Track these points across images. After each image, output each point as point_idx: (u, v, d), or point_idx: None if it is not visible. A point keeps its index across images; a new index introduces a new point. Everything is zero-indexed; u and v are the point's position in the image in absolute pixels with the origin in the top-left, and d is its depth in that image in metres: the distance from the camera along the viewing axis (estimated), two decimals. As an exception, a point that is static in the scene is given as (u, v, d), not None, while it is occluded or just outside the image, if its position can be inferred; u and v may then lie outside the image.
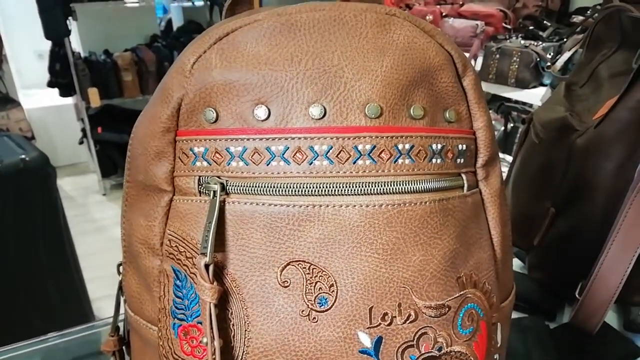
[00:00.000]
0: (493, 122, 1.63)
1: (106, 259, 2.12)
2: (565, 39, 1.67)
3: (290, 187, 0.23)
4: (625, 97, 0.42)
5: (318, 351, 0.23)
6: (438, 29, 0.25)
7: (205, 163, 0.24)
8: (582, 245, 0.48)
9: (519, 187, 0.57)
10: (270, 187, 0.23)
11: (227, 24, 0.24)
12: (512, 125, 1.90)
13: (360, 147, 0.23)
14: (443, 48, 0.25)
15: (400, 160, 0.23)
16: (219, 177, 0.24)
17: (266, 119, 0.23)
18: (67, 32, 2.37)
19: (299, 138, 0.23)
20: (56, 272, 1.22)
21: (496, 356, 0.28)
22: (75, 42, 2.69)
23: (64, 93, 2.65)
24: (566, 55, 1.60)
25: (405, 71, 0.24)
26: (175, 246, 0.25)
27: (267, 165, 0.23)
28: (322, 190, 0.23)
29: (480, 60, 1.84)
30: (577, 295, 0.47)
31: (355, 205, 0.23)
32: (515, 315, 0.58)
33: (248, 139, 0.23)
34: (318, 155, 0.23)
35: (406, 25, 0.24)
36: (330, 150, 0.23)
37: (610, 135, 0.43)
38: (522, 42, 1.74)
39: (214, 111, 0.24)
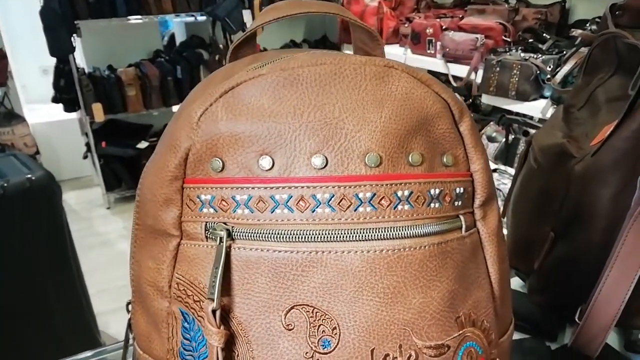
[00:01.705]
0: (495, 134, 1.62)
1: (111, 273, 2.13)
2: (564, 52, 1.69)
3: (293, 233, 0.24)
4: (621, 127, 0.43)
5: None
6: (434, 79, 0.26)
7: (211, 210, 0.25)
8: (582, 270, 0.49)
9: (519, 210, 0.58)
10: (275, 233, 0.24)
11: (232, 78, 0.25)
12: (513, 137, 1.91)
13: (360, 195, 0.24)
14: (440, 97, 0.26)
15: (399, 207, 0.24)
16: (225, 223, 0.25)
17: (270, 168, 0.24)
18: (72, 49, 2.40)
19: (302, 187, 0.24)
20: (62, 290, 1.22)
21: (496, 391, 0.29)
22: (79, 58, 2.72)
23: (68, 108, 2.67)
24: (566, 68, 1.61)
25: (403, 121, 0.24)
26: (184, 289, 0.26)
27: (272, 212, 0.24)
28: (324, 237, 0.24)
29: (480, 73, 1.85)
30: (577, 320, 0.48)
31: (356, 251, 0.24)
32: (517, 336, 0.58)
33: (253, 188, 0.24)
34: (320, 203, 0.24)
35: (404, 77, 0.25)
36: (332, 199, 0.24)
37: (607, 164, 0.44)
38: (522, 54, 1.75)
39: (220, 161, 0.25)
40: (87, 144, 2.78)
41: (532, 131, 1.73)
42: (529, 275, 0.57)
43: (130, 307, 0.30)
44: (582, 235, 0.49)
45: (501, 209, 0.61)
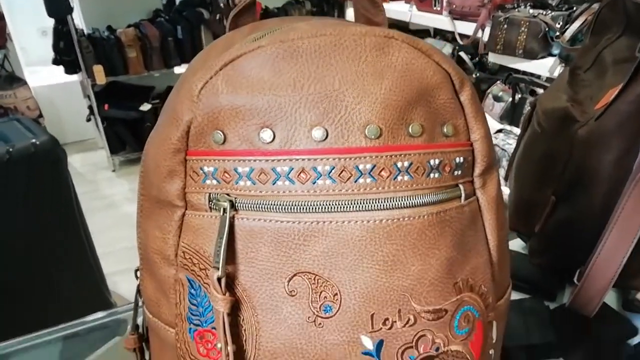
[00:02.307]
0: (501, 93, 1.60)
1: (118, 234, 2.17)
2: (574, 8, 1.64)
3: (295, 204, 0.24)
4: (626, 90, 0.43)
5: (324, 353, 0.25)
6: (435, 49, 0.26)
7: (214, 181, 0.25)
8: (582, 232, 0.49)
9: (521, 173, 0.58)
10: (277, 204, 0.24)
11: (232, 50, 0.25)
12: (520, 96, 1.88)
13: (361, 166, 0.24)
14: (440, 67, 0.26)
15: (399, 178, 0.25)
16: (228, 194, 0.25)
17: (271, 141, 0.24)
18: (69, 10, 2.35)
19: (303, 159, 0.24)
20: (70, 252, 1.25)
21: (491, 351, 0.30)
22: (78, 19, 2.67)
23: (69, 70, 2.65)
24: (576, 25, 1.57)
25: (403, 92, 0.24)
26: (189, 258, 0.26)
27: (273, 184, 0.24)
28: (325, 208, 0.24)
29: (487, 30, 1.81)
30: (575, 281, 0.49)
31: (357, 221, 0.24)
32: (516, 296, 0.60)
33: (254, 160, 0.24)
34: (321, 175, 0.24)
35: (404, 47, 0.25)
36: (333, 170, 0.24)
37: (611, 128, 0.44)
38: (531, 11, 1.71)
39: (221, 134, 0.25)
40: (90, 107, 2.77)
41: (539, 90, 1.71)
42: (530, 238, 0.58)
43: (138, 273, 0.31)
44: (583, 199, 0.49)
45: (506, 170, 0.61)
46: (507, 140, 1.70)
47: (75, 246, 1.27)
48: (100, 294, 1.35)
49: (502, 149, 1.66)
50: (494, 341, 0.30)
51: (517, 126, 1.78)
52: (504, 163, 1.58)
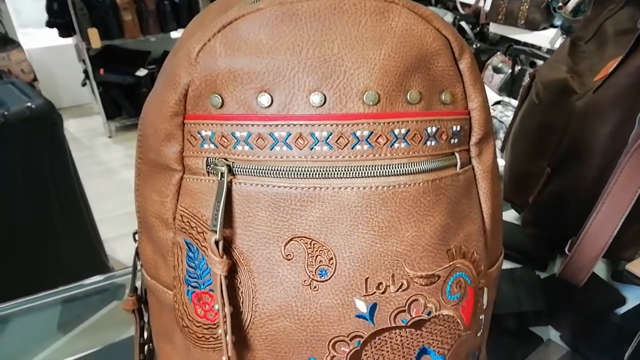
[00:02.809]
0: (501, 64, 1.58)
1: (116, 200, 2.18)
2: (579, -23, 1.61)
3: (292, 170, 0.24)
4: (626, 63, 0.43)
5: (318, 315, 0.26)
6: (435, 14, 0.25)
7: (212, 146, 0.25)
8: (575, 204, 0.50)
9: (517, 145, 0.58)
10: (274, 170, 0.25)
11: (230, 12, 0.25)
12: (519, 68, 1.87)
13: (358, 133, 0.24)
14: (440, 33, 0.26)
15: (396, 145, 0.25)
16: (225, 159, 0.25)
17: (269, 106, 0.24)
18: (63, -31, 2.29)
19: (301, 125, 0.24)
20: (68, 217, 1.26)
21: (481, 316, 0.31)
22: (72, -21, 2.60)
23: (63, 33, 2.60)
24: (579, -5, 1.54)
25: (402, 58, 0.24)
26: (187, 222, 0.27)
27: (271, 149, 0.24)
28: (322, 174, 0.24)
29: (489, 0, 1.78)
30: (566, 251, 0.50)
31: (353, 188, 0.24)
32: (508, 265, 0.61)
33: (252, 125, 0.24)
34: (318, 141, 0.24)
35: (404, 13, 0.25)
36: (330, 137, 0.24)
37: (608, 101, 0.44)
38: (534, -20, 1.67)
39: (219, 97, 0.25)
40: (85, 71, 2.73)
41: (540, 62, 1.69)
42: (524, 209, 0.59)
43: (137, 236, 0.31)
44: (577, 171, 0.49)
45: (502, 142, 0.62)
46: (505, 112, 1.70)
47: (73, 211, 1.27)
48: (98, 259, 1.36)
49: (500, 121, 1.65)
50: (484, 307, 0.31)
51: (516, 98, 1.77)
52: (501, 135, 1.57)
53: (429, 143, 0.26)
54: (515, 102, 1.72)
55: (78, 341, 0.54)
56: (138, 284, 0.34)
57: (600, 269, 0.60)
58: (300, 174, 0.24)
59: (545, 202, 0.53)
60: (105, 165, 2.60)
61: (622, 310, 0.54)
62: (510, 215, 0.69)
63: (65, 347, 0.53)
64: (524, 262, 0.61)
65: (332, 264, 0.25)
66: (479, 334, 0.31)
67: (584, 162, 0.49)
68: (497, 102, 1.74)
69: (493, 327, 0.35)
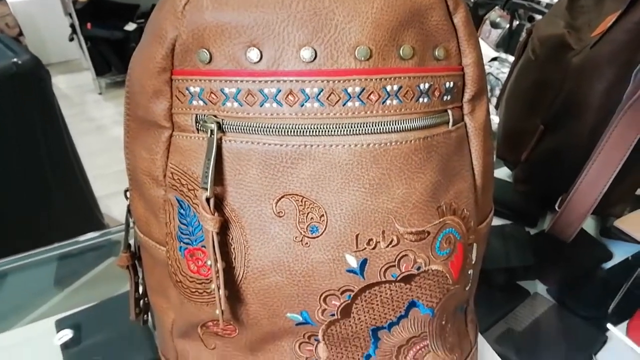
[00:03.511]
0: (499, 19, 1.55)
1: (108, 158, 2.17)
2: None
3: (283, 127, 0.24)
4: (624, 18, 0.42)
5: (310, 270, 0.26)
6: (430, -34, 0.25)
7: (201, 102, 0.25)
8: (567, 161, 0.50)
9: (512, 101, 0.58)
10: (264, 127, 0.24)
11: None
12: (517, 23, 1.83)
13: (349, 89, 0.24)
14: None
15: (388, 102, 0.24)
16: (215, 116, 0.25)
17: (258, 61, 0.24)
18: None
19: (291, 81, 0.24)
20: (60, 174, 1.25)
21: (470, 272, 0.31)
22: None
23: (47, -15, 2.50)
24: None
25: (395, 12, 0.24)
26: (178, 179, 0.27)
27: (261, 106, 0.24)
28: (313, 131, 0.24)
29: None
30: (556, 208, 0.50)
31: (344, 145, 0.24)
32: (499, 221, 0.62)
33: (241, 81, 0.24)
34: (309, 98, 0.24)
35: None
36: (321, 93, 0.24)
37: (605, 57, 0.43)
38: None
39: (207, 52, 0.24)
40: (72, 26, 2.65)
41: (538, 17, 1.66)
42: (516, 166, 0.59)
43: (128, 194, 0.31)
44: (571, 128, 0.49)
45: (497, 99, 0.61)
46: (502, 68, 1.68)
47: (64, 168, 1.26)
48: (92, 216, 1.37)
49: (496, 78, 1.64)
50: (473, 262, 0.31)
51: (513, 54, 1.74)
52: (497, 92, 1.56)
53: (421, 100, 0.25)
54: (512, 59, 1.69)
55: (75, 296, 0.55)
56: (131, 240, 0.34)
57: (589, 226, 0.61)
58: (291, 132, 0.24)
59: (538, 160, 0.53)
60: (96, 122, 2.57)
61: (608, 265, 0.56)
62: (502, 172, 0.70)
63: (62, 302, 0.54)
64: (514, 218, 0.62)
65: (323, 220, 0.26)
66: (467, 288, 0.32)
67: (578, 119, 0.49)
68: (494, 59, 1.72)
69: (482, 281, 0.36)
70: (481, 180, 0.30)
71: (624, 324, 0.48)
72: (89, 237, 0.58)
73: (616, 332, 0.46)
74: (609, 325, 0.46)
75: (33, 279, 0.58)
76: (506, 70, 1.64)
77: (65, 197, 1.28)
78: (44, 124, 1.17)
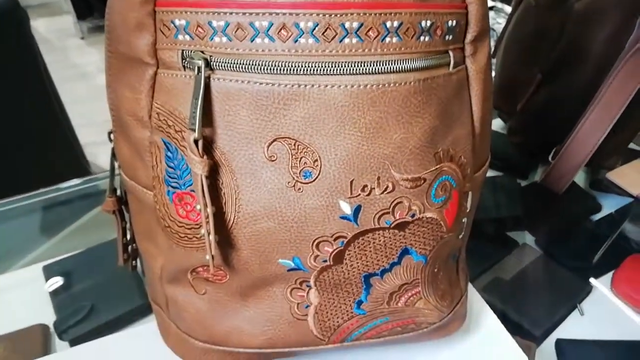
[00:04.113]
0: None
1: (93, 106, 2.12)
2: None
3: (275, 65, 0.23)
4: (633, -41, 0.40)
5: (303, 217, 0.26)
6: None
7: (187, 37, 0.23)
8: (563, 112, 0.49)
9: (510, 50, 0.56)
10: (255, 64, 0.23)
11: None
12: (515, -30, 1.77)
13: (347, 24, 0.22)
14: None
15: (387, 39, 0.23)
16: (202, 52, 0.23)
17: None
18: None
19: (284, 14, 0.22)
20: (43, 121, 1.22)
21: (464, 220, 0.31)
22: None
23: None
24: None
25: None
26: (164, 120, 0.25)
27: (251, 41, 0.23)
28: (307, 70, 0.23)
29: None
30: (550, 159, 0.50)
31: (340, 86, 0.23)
32: (490, 173, 0.62)
33: (230, 13, 0.22)
34: (303, 33, 0.22)
35: None
36: (316, 28, 0.22)
37: (608, 3, 0.42)
38: None
39: None
40: (51, -36, 2.52)
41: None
42: (511, 117, 0.58)
43: (112, 136, 0.30)
44: (570, 78, 0.48)
45: (492, 49, 0.60)
46: (497, 19, 1.64)
47: (46, 115, 1.23)
48: (78, 164, 1.34)
49: (492, 29, 1.60)
50: (467, 210, 0.31)
51: (509, 4, 1.70)
52: (492, 43, 1.53)
53: (422, 38, 0.24)
54: (508, 9, 1.65)
55: (63, 244, 0.55)
56: (118, 184, 0.33)
57: (579, 178, 0.61)
58: (284, 70, 0.23)
59: (534, 110, 0.52)
60: (79, 68, 2.49)
61: (597, 217, 0.56)
62: (495, 124, 0.69)
63: (50, 249, 0.54)
64: (506, 170, 0.61)
65: (317, 165, 0.25)
66: (460, 236, 0.31)
67: (577, 68, 0.48)
68: (490, 8, 1.67)
69: (472, 231, 0.36)
70: (480, 126, 0.29)
71: (610, 275, 0.49)
72: (74, 184, 0.57)
73: (598, 285, 0.46)
74: (591, 280, 0.47)
75: (20, 227, 0.57)
76: (502, 20, 1.60)
77: (50, 145, 1.25)
78: (24, 68, 1.13)
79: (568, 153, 0.47)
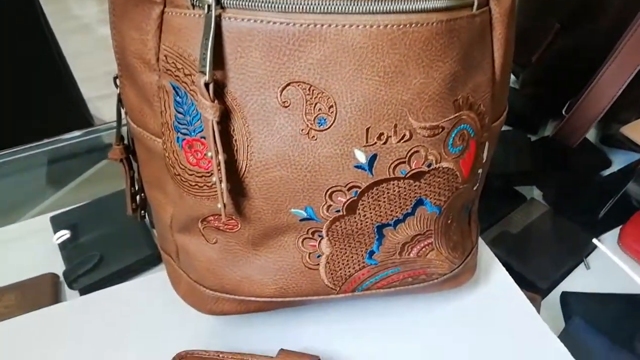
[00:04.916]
0: None
1: (96, 58, 2.07)
2: None
3: (289, 3, 0.21)
4: None
5: (316, 165, 0.25)
6: None
7: (197, -28, 0.22)
8: (581, 63, 0.48)
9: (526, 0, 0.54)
10: (269, 2, 0.22)
11: None
12: None
13: None
14: None
15: None
16: None
17: None
18: None
19: (301, -54, 0.20)
20: (43, 71, 1.19)
21: (479, 170, 0.30)
22: None
23: None
24: None
25: None
26: (173, 62, 0.24)
27: (266, -23, 0.21)
28: (324, 8, 0.21)
29: None
30: (564, 113, 0.49)
31: (359, 25, 0.22)
32: (500, 128, 0.61)
33: None
34: None
35: None
36: None
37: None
38: None
39: None
40: None
41: None
42: (524, 69, 0.56)
43: (118, 81, 0.29)
44: (589, 27, 0.46)
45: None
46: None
47: (47, 66, 1.21)
48: (81, 118, 1.33)
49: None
50: (483, 161, 0.30)
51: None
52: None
53: None
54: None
55: (71, 196, 0.54)
56: (125, 132, 0.32)
57: (590, 134, 0.60)
58: (299, 8, 0.22)
59: (550, 61, 0.51)
60: (80, 20, 2.42)
61: (606, 172, 0.55)
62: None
63: (59, 201, 0.54)
64: (516, 124, 0.60)
65: (332, 112, 0.24)
66: (475, 188, 0.31)
67: (597, 18, 0.46)
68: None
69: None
70: (500, 74, 0.28)
71: (617, 230, 0.49)
72: (76, 135, 0.56)
73: (599, 244, 0.46)
74: (594, 240, 0.46)
75: (27, 179, 0.57)
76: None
77: (52, 100, 1.23)
78: (21, 17, 1.10)
79: (583, 106, 0.46)
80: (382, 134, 0.24)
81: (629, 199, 0.52)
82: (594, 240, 0.46)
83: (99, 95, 1.68)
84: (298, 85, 0.23)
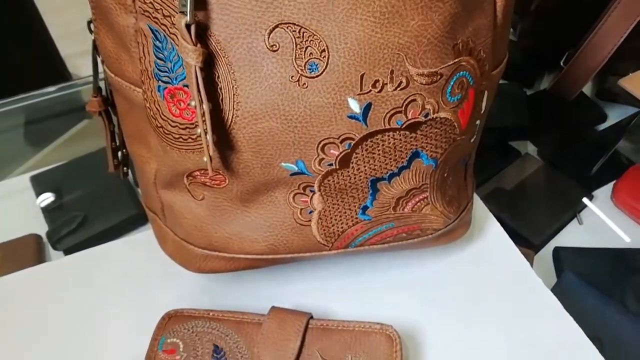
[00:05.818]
0: None
1: (72, 14, 1.99)
2: None
3: None
4: None
5: (307, 115, 0.23)
6: None
7: None
8: (581, 13, 0.46)
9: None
10: None
11: None
12: None
13: None
14: None
15: None
16: None
17: None
18: None
19: None
20: (18, 30, 1.14)
21: (477, 122, 0.29)
22: None
23: None
24: None
25: None
26: (150, 3, 0.22)
27: None
28: None
29: None
30: (562, 64, 0.47)
31: None
32: (495, 81, 0.59)
33: None
34: None
35: None
36: None
37: None
38: None
39: None
40: None
41: None
42: (522, 18, 0.54)
43: (92, 26, 0.27)
44: (591, -27, 0.44)
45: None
46: None
47: (23, 23, 1.15)
48: (59, 75, 1.28)
49: None
50: (482, 112, 0.29)
51: None
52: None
53: None
54: None
55: (52, 156, 0.52)
56: (102, 84, 0.30)
57: (585, 87, 0.59)
58: None
59: (549, 11, 0.49)
60: (54, -27, 2.31)
61: (602, 127, 0.55)
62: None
63: (40, 162, 0.52)
64: (512, 77, 0.59)
65: (324, 56, 0.22)
66: (472, 140, 0.30)
67: (600, -37, 0.43)
68: None
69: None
70: (502, 17, 0.26)
71: (610, 185, 0.49)
72: (50, 90, 0.53)
73: (589, 204, 0.46)
74: (584, 200, 0.46)
75: (4, 139, 0.54)
76: None
77: (28, 58, 1.18)
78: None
79: (582, 57, 0.44)
80: (377, 81, 0.23)
81: (623, 153, 0.51)
82: (585, 200, 0.46)
83: (78, 52, 1.62)
84: (287, 27, 0.21)
